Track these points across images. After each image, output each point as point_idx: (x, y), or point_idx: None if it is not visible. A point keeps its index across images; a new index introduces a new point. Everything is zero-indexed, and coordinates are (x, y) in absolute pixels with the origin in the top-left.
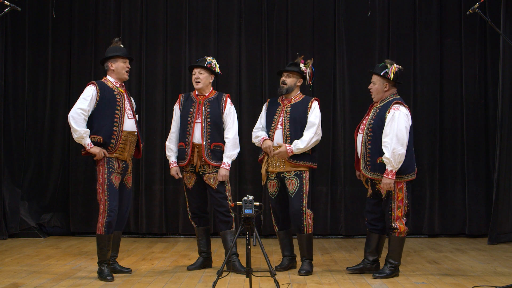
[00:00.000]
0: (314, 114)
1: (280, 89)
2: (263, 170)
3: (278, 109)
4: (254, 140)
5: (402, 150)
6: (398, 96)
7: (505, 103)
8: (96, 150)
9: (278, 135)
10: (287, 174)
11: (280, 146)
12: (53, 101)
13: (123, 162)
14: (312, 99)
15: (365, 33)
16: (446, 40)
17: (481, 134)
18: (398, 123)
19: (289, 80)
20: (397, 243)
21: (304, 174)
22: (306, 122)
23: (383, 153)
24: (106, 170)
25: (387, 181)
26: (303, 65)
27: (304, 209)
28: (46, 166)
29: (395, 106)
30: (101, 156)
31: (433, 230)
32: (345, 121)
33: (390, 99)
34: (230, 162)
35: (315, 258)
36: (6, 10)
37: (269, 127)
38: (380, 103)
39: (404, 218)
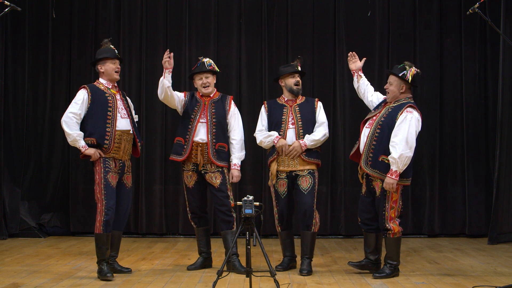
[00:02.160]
0: (322, 113)
1: (296, 90)
2: (273, 170)
3: (284, 109)
4: (263, 139)
5: (410, 154)
6: (413, 101)
7: (505, 103)
8: (91, 151)
9: (291, 134)
10: (300, 172)
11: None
12: (53, 101)
13: (120, 161)
14: (316, 100)
15: (365, 33)
16: (446, 40)
17: (481, 134)
18: (409, 126)
19: (300, 81)
20: (393, 244)
21: (316, 173)
22: (315, 121)
23: (388, 152)
24: (102, 170)
25: (390, 181)
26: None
27: (315, 206)
28: (46, 166)
29: (409, 109)
30: (96, 157)
31: (433, 230)
32: (345, 121)
33: (405, 101)
34: (240, 163)
35: (315, 258)
36: (6, 10)
37: (279, 128)
38: (393, 103)
39: (398, 219)
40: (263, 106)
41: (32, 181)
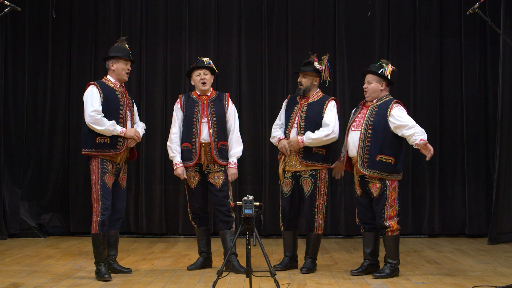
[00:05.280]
0: (329, 114)
1: (297, 90)
2: (280, 169)
3: (295, 107)
4: (271, 139)
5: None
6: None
7: (505, 103)
8: (131, 133)
9: (293, 134)
10: (302, 173)
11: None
12: (53, 101)
13: (117, 164)
14: (329, 99)
15: (365, 33)
16: (446, 40)
17: (481, 134)
18: (404, 112)
19: (304, 80)
20: (392, 242)
21: (319, 174)
22: (321, 122)
23: (385, 151)
24: (99, 170)
25: (424, 142)
26: (317, 63)
27: (316, 210)
28: (46, 166)
29: (396, 104)
30: (135, 135)
31: (433, 230)
32: (345, 121)
33: (387, 98)
34: (236, 161)
35: None
36: (6, 10)
37: (286, 126)
38: (376, 102)
39: (396, 218)
40: (286, 99)
41: (32, 181)
